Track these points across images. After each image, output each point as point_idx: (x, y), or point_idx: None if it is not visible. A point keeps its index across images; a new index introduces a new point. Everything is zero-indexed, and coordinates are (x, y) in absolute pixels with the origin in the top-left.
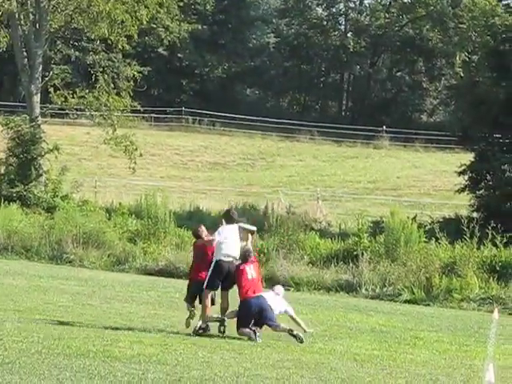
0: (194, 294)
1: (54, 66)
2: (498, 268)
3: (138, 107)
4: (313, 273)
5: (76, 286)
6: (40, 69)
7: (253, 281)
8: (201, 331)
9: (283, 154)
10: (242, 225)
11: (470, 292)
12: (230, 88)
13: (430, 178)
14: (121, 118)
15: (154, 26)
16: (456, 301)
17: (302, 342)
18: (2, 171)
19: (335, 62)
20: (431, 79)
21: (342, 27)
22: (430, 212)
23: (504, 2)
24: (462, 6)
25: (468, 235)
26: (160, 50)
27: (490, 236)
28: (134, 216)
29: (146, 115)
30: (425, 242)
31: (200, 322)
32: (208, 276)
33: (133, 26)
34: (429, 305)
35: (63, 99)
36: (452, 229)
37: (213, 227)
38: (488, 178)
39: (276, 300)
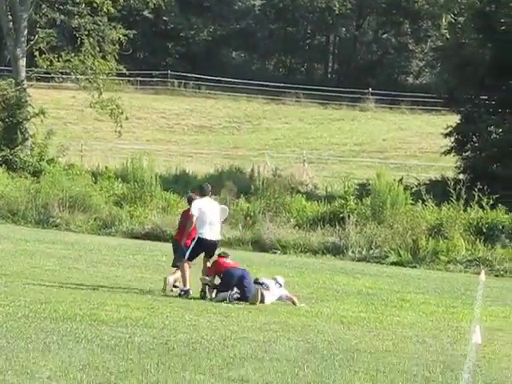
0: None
1: (39, 29)
2: (484, 230)
3: (124, 70)
4: (299, 235)
5: (62, 249)
6: (25, 32)
7: None
8: (183, 293)
9: (269, 117)
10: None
11: (457, 254)
12: (215, 51)
13: (416, 140)
14: (106, 82)
15: None
16: (442, 263)
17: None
18: None
19: (321, 24)
20: (417, 41)
21: None
22: (417, 174)
23: None
24: None
25: (454, 197)
26: (145, 12)
27: (476, 198)
28: (120, 180)
29: (131, 78)
30: (411, 204)
31: (179, 285)
32: (190, 249)
33: None
34: (415, 267)
35: (49, 63)
36: (438, 191)
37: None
38: (474, 139)
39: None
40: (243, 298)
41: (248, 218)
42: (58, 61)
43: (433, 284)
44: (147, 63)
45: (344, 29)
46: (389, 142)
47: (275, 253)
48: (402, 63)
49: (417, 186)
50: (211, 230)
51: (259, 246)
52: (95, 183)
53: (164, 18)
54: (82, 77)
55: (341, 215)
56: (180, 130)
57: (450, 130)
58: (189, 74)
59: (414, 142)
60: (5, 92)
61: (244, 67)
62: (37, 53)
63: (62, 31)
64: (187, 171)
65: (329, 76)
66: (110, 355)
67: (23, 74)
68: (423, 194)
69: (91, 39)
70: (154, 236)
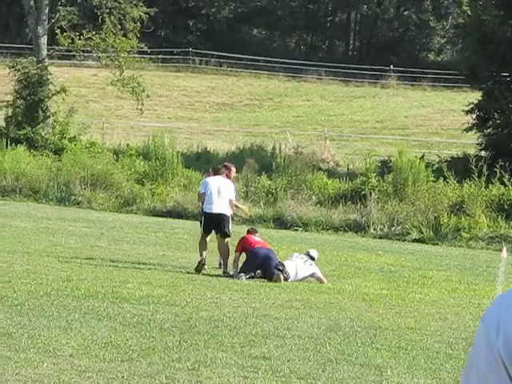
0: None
1: (60, 7)
2: (506, 207)
3: (145, 48)
4: (321, 213)
5: (84, 227)
6: (46, 10)
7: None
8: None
9: (290, 95)
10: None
11: (479, 231)
12: (236, 28)
13: (437, 117)
14: (128, 60)
15: None
16: (464, 240)
17: None
18: (10, 113)
19: (342, 2)
20: (438, 18)
21: None
22: (438, 151)
23: None
24: None
25: (476, 174)
26: None
27: (498, 175)
28: (141, 157)
29: (152, 56)
30: (433, 181)
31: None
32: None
33: None
34: (437, 244)
35: (70, 41)
36: (460, 168)
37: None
38: (496, 116)
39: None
40: (267, 276)
41: (269, 196)
42: (79, 39)
43: (454, 261)
44: (168, 41)
45: (365, 6)
46: (410, 119)
47: (297, 230)
48: (424, 40)
49: (438, 163)
50: (213, 204)
51: (281, 223)
52: (117, 161)
53: None
54: (103, 55)
55: (362, 192)
56: (201, 107)
57: (471, 106)
58: (210, 52)
59: (435, 118)
60: (26, 70)
61: (265, 44)
62: (58, 31)
63: (83, 9)
64: (208, 149)
65: (350, 53)
66: (131, 333)
67: (44, 53)
68: (445, 171)
69: (112, 17)
70: (175, 214)
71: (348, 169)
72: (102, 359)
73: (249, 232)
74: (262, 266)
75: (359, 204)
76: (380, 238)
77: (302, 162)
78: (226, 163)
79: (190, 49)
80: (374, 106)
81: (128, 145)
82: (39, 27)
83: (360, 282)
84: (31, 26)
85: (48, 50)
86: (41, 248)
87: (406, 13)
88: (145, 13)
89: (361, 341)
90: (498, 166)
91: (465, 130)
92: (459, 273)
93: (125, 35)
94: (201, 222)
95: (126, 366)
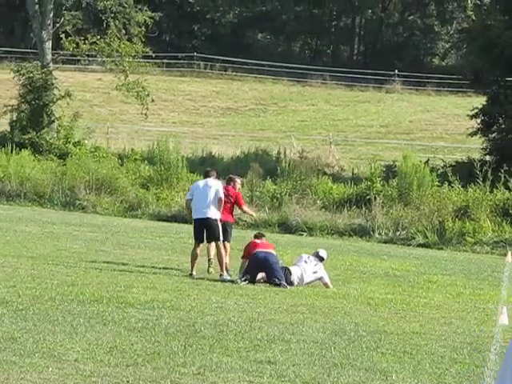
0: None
1: (65, 12)
2: (510, 211)
3: (150, 53)
4: (326, 217)
5: (89, 232)
6: (51, 15)
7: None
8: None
9: (295, 99)
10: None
11: (483, 235)
12: (241, 33)
13: (442, 122)
14: (132, 64)
15: None
16: (469, 244)
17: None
18: (14, 118)
19: (347, 6)
20: (443, 22)
21: None
22: (443, 156)
23: None
24: None
25: (481, 179)
26: None
27: (502, 179)
28: (146, 162)
29: (157, 61)
30: (437, 185)
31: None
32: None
33: None
34: (442, 248)
35: (75, 45)
36: (465, 172)
37: (224, 174)
38: (500, 121)
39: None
40: (268, 280)
41: (274, 200)
42: (84, 43)
43: (459, 266)
44: (173, 45)
45: (370, 10)
46: (415, 123)
47: (301, 235)
48: (428, 45)
49: (443, 168)
50: (201, 209)
51: (285, 227)
52: (121, 166)
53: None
54: (108, 59)
55: (367, 197)
56: (206, 112)
57: (476, 111)
58: (215, 56)
59: (440, 123)
60: (31, 74)
61: (270, 49)
62: (63, 35)
63: (88, 14)
64: (213, 153)
65: (355, 58)
66: (136, 337)
67: (49, 57)
68: (449, 176)
69: (117, 22)
70: (180, 218)
71: (353, 173)
72: (107, 364)
73: (255, 237)
74: (262, 269)
75: (364, 209)
76: (385, 242)
77: (307, 167)
78: (231, 175)
79: (195, 53)
80: (379, 111)
81: (133, 149)
82: (44, 32)
83: (365, 287)
84: (36, 30)
85: (53, 55)
86: (46, 253)
87: (410, 17)
88: (149, 17)
89: (366, 345)
90: (502, 171)
91: (469, 134)
92: (464, 277)
93: (129, 40)
94: (195, 230)
95: (131, 371)
